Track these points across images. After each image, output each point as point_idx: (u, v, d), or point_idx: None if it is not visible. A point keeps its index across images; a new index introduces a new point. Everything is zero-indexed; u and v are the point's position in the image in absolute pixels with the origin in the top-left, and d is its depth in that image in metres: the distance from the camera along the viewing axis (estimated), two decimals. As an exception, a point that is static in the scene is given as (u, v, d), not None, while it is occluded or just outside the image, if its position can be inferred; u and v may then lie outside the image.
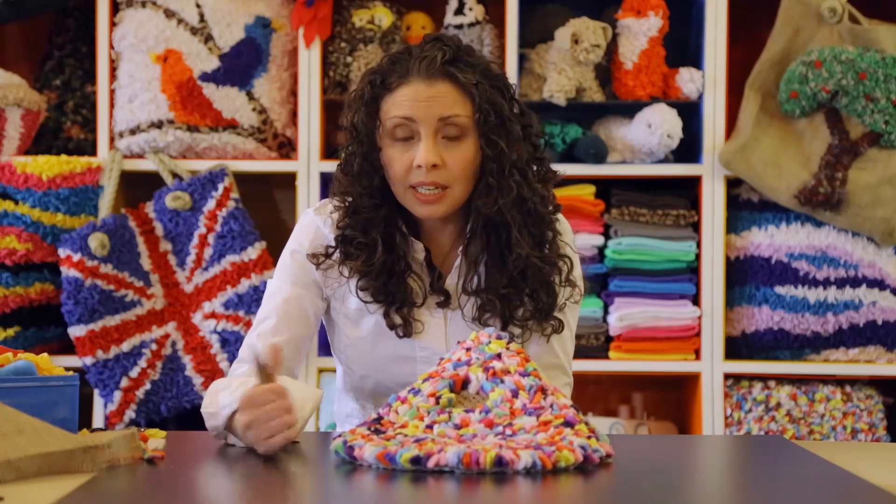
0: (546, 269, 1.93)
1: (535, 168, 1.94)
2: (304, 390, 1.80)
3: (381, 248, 1.93)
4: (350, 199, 1.95)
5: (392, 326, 1.96)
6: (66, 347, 3.30)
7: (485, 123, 1.89)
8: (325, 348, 3.19)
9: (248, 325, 3.19)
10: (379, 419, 1.68)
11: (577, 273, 2.01)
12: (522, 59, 3.33)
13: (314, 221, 2.02)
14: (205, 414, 1.83)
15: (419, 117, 1.88)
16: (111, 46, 3.32)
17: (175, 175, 3.28)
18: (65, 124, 3.41)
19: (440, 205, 1.91)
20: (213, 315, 3.22)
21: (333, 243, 1.98)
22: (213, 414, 1.80)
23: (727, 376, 3.24)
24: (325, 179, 3.28)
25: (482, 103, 1.88)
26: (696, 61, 3.33)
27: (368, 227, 1.94)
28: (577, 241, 2.08)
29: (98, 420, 3.26)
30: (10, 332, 3.19)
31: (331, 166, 3.27)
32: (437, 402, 1.67)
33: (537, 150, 1.96)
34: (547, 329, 1.96)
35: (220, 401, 1.79)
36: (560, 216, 2.03)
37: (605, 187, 3.30)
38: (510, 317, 1.93)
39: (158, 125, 3.25)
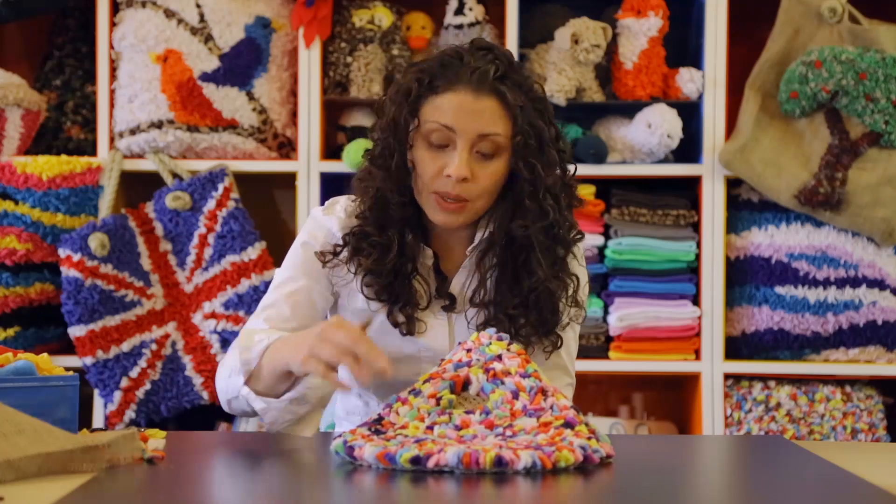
0: (556, 289, 1.94)
1: (564, 194, 1.94)
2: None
3: (395, 249, 1.92)
4: (377, 192, 1.93)
5: (395, 324, 1.96)
6: (66, 347, 3.30)
7: (525, 146, 1.88)
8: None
9: (248, 325, 3.19)
10: (379, 420, 1.68)
11: (584, 292, 2.02)
12: (522, 59, 3.33)
13: (323, 220, 2.01)
14: (235, 359, 1.83)
15: (459, 129, 1.87)
16: (111, 46, 3.32)
17: (175, 175, 3.28)
18: (65, 124, 3.41)
19: (460, 215, 1.90)
20: (213, 315, 3.22)
21: (342, 242, 1.97)
22: (247, 348, 1.80)
23: (727, 376, 3.24)
24: (325, 179, 3.28)
25: (524, 125, 1.88)
26: (696, 61, 3.33)
27: (386, 226, 1.93)
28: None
29: (98, 420, 3.26)
30: (10, 332, 3.19)
31: (331, 166, 3.27)
32: (438, 403, 1.67)
33: (566, 176, 1.96)
34: (547, 346, 1.96)
35: (255, 338, 1.81)
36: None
37: (605, 187, 3.30)
38: (515, 334, 1.93)
39: (158, 125, 3.25)
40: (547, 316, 1.94)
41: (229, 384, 1.86)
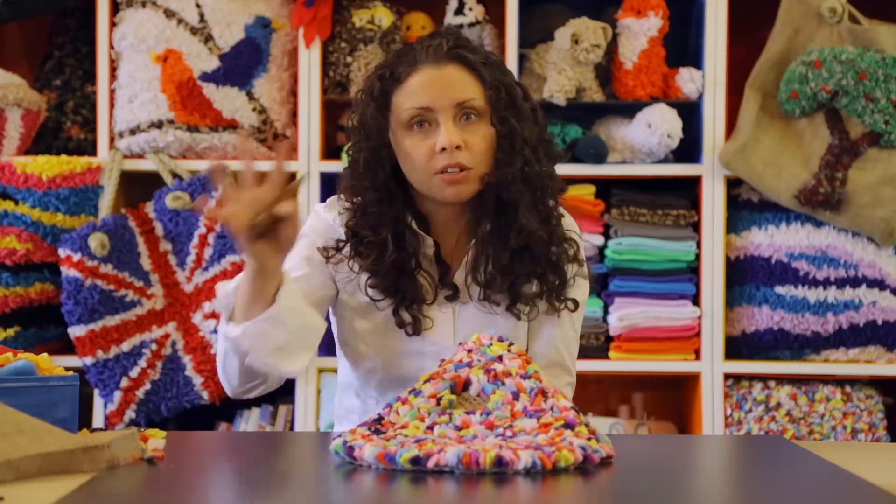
0: (552, 248, 1.94)
1: (543, 148, 1.96)
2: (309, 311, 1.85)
3: (391, 247, 1.93)
4: (358, 197, 1.95)
5: (402, 325, 1.96)
6: (66, 347, 3.30)
7: (497, 101, 1.91)
8: (325, 348, 3.19)
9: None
10: (379, 419, 1.68)
11: (582, 256, 2.02)
12: (522, 59, 3.33)
13: (325, 215, 2.02)
14: (221, 327, 1.85)
15: (435, 104, 1.89)
16: (111, 46, 3.32)
17: (175, 175, 3.28)
18: (65, 124, 3.41)
19: (466, 184, 1.90)
20: (213, 315, 3.22)
21: (344, 237, 1.97)
22: (224, 294, 1.82)
23: (727, 376, 3.24)
24: (325, 179, 3.28)
25: (493, 82, 1.91)
26: (696, 61, 3.33)
27: (378, 225, 1.94)
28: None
29: (98, 420, 3.26)
30: (10, 332, 3.19)
31: (331, 166, 3.27)
32: (438, 404, 1.67)
33: (543, 132, 1.98)
34: (561, 307, 1.97)
35: (226, 286, 1.83)
36: (568, 218, 2.03)
37: (605, 187, 3.30)
38: (517, 294, 1.93)
39: (158, 125, 3.25)
40: (550, 277, 1.95)
41: (222, 358, 1.86)
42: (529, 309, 1.96)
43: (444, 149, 1.88)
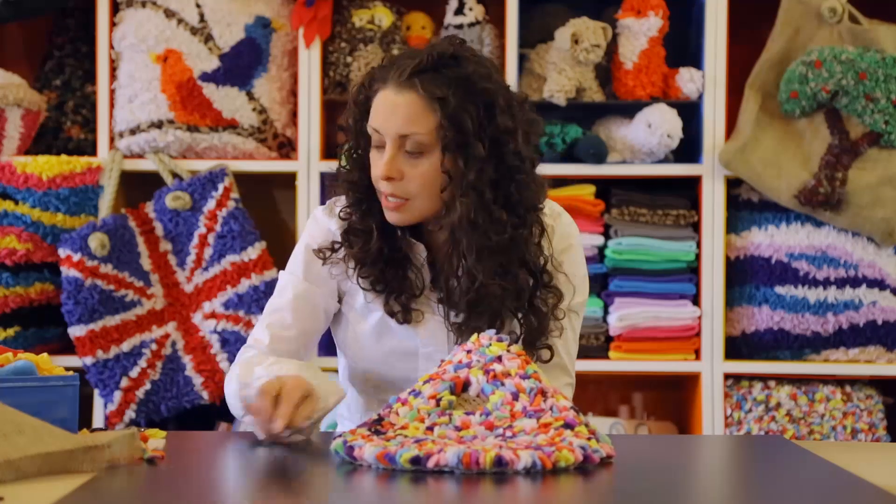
0: (537, 293, 1.91)
1: (497, 191, 1.87)
2: (327, 384, 1.81)
3: (376, 234, 1.94)
4: (349, 192, 1.98)
5: (392, 314, 1.96)
6: (66, 347, 3.29)
7: (444, 139, 1.84)
8: (325, 348, 3.19)
9: (249, 325, 3.19)
10: (379, 420, 1.68)
11: (578, 298, 2.00)
12: (522, 59, 3.33)
13: (324, 220, 2.04)
14: (238, 385, 1.89)
15: (383, 129, 1.88)
16: (111, 46, 3.32)
17: (175, 175, 3.28)
18: (65, 124, 3.41)
19: (402, 213, 1.90)
20: (213, 315, 3.22)
21: (340, 240, 1.99)
22: (246, 385, 1.85)
23: (727, 376, 3.24)
24: (325, 179, 3.28)
25: (443, 119, 1.83)
26: (696, 61, 3.33)
27: (366, 216, 1.96)
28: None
29: (98, 420, 3.25)
30: (10, 332, 3.19)
31: (331, 166, 3.25)
32: (438, 404, 1.67)
33: (514, 171, 1.87)
34: (534, 354, 1.93)
35: (255, 372, 1.86)
36: (565, 217, 2.03)
37: (605, 187, 3.30)
38: (501, 325, 1.92)
39: (158, 125, 3.25)
40: (529, 312, 1.92)
41: (234, 405, 1.93)
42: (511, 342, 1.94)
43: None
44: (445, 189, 1.87)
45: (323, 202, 2.14)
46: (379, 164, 1.89)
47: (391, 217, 1.91)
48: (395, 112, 1.86)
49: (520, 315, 1.93)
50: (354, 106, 1.94)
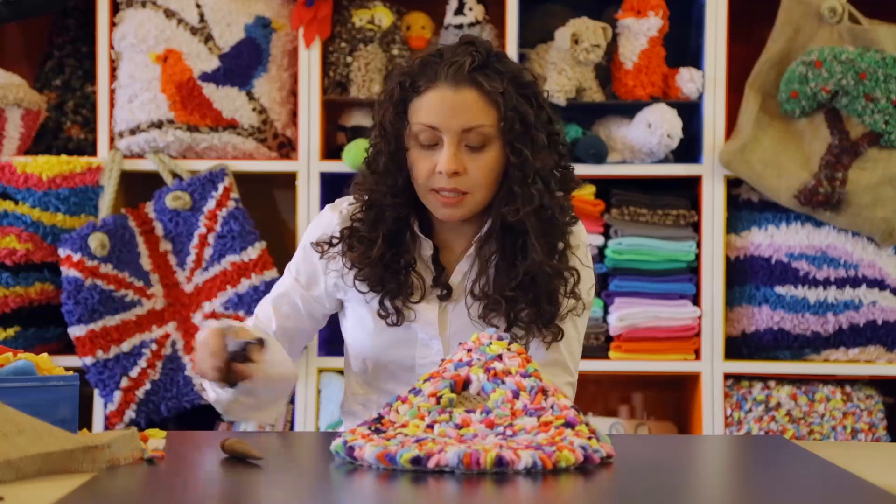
0: (555, 278, 1.95)
1: (557, 177, 1.96)
2: (282, 360, 1.91)
3: (380, 244, 1.96)
4: (369, 195, 1.98)
5: (383, 316, 1.99)
6: (66, 347, 3.30)
7: (510, 132, 1.90)
8: (325, 348, 3.19)
9: (248, 325, 3.19)
10: (380, 419, 1.68)
11: (584, 287, 2.02)
12: (522, 59, 3.33)
13: (329, 217, 2.07)
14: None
15: (443, 126, 1.90)
16: (111, 46, 3.32)
17: (175, 175, 3.28)
18: (65, 124, 3.41)
19: (460, 208, 1.93)
20: (213, 315, 3.22)
21: (338, 235, 2.01)
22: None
23: (727, 376, 3.24)
24: (325, 179, 3.28)
25: (507, 111, 1.90)
26: (696, 61, 3.33)
27: (377, 224, 1.97)
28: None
29: (98, 420, 3.26)
30: (10, 332, 3.19)
31: (331, 166, 3.27)
32: (438, 402, 1.67)
33: (562, 159, 1.98)
34: (547, 336, 1.98)
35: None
36: (578, 226, 2.05)
37: (605, 187, 3.30)
38: (514, 318, 1.96)
39: (158, 125, 3.25)
40: (544, 303, 1.96)
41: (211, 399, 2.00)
42: (525, 333, 1.96)
43: (441, 172, 1.90)
44: (508, 179, 1.92)
45: (323, 202, 2.15)
46: (434, 161, 1.91)
47: (447, 213, 1.94)
48: (457, 108, 1.89)
49: (535, 299, 1.96)
50: (392, 107, 1.94)
